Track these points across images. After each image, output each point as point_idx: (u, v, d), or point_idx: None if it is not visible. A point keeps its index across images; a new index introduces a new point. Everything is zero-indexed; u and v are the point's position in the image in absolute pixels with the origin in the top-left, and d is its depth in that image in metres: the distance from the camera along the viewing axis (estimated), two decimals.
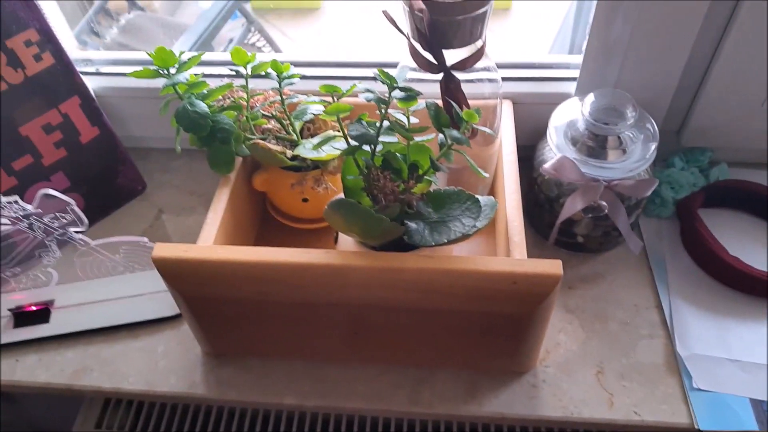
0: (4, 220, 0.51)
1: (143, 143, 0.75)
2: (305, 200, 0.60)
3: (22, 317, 0.60)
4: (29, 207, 0.51)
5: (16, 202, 0.50)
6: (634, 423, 0.52)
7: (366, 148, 0.46)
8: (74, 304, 0.61)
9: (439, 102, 0.47)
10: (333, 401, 0.54)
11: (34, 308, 0.60)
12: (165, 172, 0.74)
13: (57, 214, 0.52)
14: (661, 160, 0.66)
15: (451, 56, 0.47)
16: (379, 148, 0.46)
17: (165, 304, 0.60)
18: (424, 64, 0.48)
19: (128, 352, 0.58)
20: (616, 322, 0.58)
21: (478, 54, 0.48)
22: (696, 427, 0.51)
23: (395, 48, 0.65)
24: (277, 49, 1.69)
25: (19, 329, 0.60)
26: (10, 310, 0.60)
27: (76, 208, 0.51)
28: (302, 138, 0.58)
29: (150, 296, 0.61)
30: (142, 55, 0.72)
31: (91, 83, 0.67)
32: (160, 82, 0.54)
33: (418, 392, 0.54)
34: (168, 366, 0.57)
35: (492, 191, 0.62)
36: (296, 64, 0.58)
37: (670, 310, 0.57)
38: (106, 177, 0.68)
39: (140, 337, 0.59)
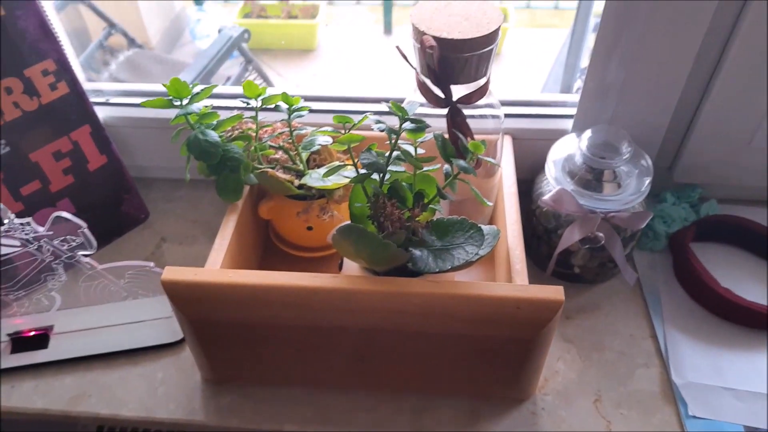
0: (13, 242, 0.51)
1: (148, 173, 0.76)
2: (310, 228, 0.61)
3: (20, 343, 0.60)
4: (41, 229, 0.51)
5: (28, 224, 0.50)
6: None
7: (375, 176, 0.47)
8: (74, 330, 0.61)
9: (445, 134, 0.49)
10: (334, 428, 0.54)
11: (32, 334, 0.60)
12: (168, 201, 0.75)
13: (67, 237, 0.52)
14: (653, 195, 0.69)
15: (458, 91, 0.49)
16: (386, 176, 0.48)
17: (165, 330, 0.60)
18: (431, 98, 0.50)
19: (127, 378, 0.58)
20: (612, 352, 0.59)
21: (483, 90, 0.50)
22: None
23: (387, 88, 0.68)
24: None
25: (16, 354, 0.59)
26: (8, 335, 0.60)
27: (87, 232, 0.52)
28: (308, 168, 0.60)
29: (150, 323, 0.61)
30: (151, 87, 0.73)
31: (101, 113, 0.69)
32: (167, 113, 0.55)
33: (419, 419, 0.54)
34: (167, 393, 0.57)
35: (492, 222, 0.64)
36: (304, 98, 0.59)
37: (665, 339, 0.59)
38: (110, 204, 0.69)
39: (140, 363, 0.59)
